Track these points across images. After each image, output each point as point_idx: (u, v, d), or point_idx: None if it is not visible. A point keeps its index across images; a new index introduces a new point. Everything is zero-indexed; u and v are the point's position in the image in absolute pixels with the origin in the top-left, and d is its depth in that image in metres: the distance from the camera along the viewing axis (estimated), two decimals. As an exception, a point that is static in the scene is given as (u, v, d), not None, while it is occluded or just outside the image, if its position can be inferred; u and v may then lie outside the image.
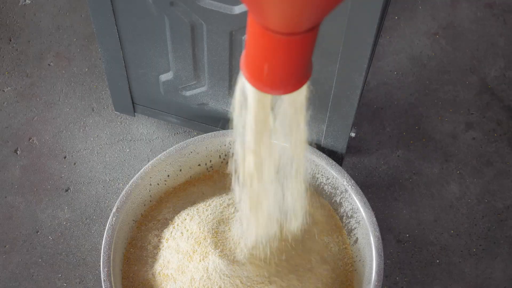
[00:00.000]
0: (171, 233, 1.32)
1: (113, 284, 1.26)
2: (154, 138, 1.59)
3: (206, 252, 1.25)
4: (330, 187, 1.39)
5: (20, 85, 1.65)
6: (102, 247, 1.28)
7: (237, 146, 0.98)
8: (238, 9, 1.18)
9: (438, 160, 1.58)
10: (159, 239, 1.34)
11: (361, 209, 1.33)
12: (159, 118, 1.54)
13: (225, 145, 1.42)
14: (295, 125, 0.95)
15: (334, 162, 1.37)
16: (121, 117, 1.61)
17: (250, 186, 1.04)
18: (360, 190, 1.34)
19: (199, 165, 1.43)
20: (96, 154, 1.57)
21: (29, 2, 1.75)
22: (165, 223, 1.36)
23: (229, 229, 1.27)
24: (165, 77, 1.40)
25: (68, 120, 1.61)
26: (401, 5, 1.76)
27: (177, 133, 1.59)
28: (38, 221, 1.50)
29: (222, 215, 1.29)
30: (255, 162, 0.99)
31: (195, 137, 1.40)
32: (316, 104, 1.32)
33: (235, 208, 1.30)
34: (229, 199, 1.33)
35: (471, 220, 1.52)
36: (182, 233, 1.30)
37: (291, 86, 0.84)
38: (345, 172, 1.36)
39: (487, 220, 1.52)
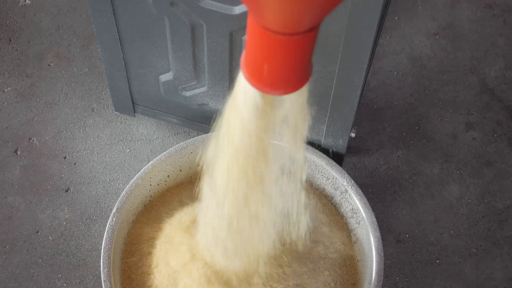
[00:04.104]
0: (171, 233, 1.32)
1: (113, 284, 1.26)
2: (154, 138, 1.59)
3: (206, 254, 1.25)
4: (330, 187, 1.39)
5: (20, 85, 1.65)
6: (102, 247, 1.28)
7: (227, 147, 0.97)
8: (238, 9, 1.18)
9: (438, 160, 1.58)
10: (160, 239, 1.34)
11: (361, 210, 1.33)
12: (159, 118, 1.54)
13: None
14: (295, 126, 0.95)
15: (334, 162, 1.37)
16: (121, 118, 1.61)
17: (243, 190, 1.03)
18: (360, 191, 1.34)
19: (199, 165, 1.43)
20: (96, 155, 1.57)
21: (29, 2, 1.75)
22: (165, 223, 1.36)
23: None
24: (165, 77, 1.40)
25: (68, 121, 1.61)
26: (401, 5, 1.76)
27: (177, 133, 1.59)
28: (38, 222, 1.50)
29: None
30: (249, 164, 0.98)
31: (195, 137, 1.40)
32: (316, 104, 1.32)
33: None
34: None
35: (471, 220, 1.52)
36: (182, 234, 1.30)
37: (291, 86, 0.84)
38: (345, 172, 1.36)
39: (487, 221, 1.52)
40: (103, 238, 1.30)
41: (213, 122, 0.98)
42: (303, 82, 0.85)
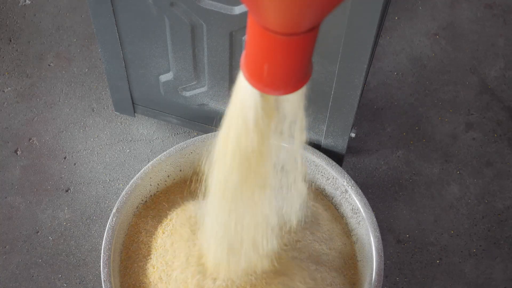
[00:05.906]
0: (171, 233, 1.32)
1: (113, 284, 1.26)
2: (154, 138, 1.59)
3: (206, 253, 1.25)
4: (330, 187, 1.39)
5: (20, 85, 1.65)
6: (102, 247, 1.28)
7: (227, 147, 0.97)
8: (238, 9, 1.18)
9: (438, 160, 1.58)
10: (159, 240, 1.34)
11: (361, 210, 1.33)
12: (159, 118, 1.54)
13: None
14: (294, 126, 0.95)
15: (334, 163, 1.37)
16: (121, 118, 1.61)
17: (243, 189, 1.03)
18: (360, 191, 1.34)
19: (199, 165, 1.43)
20: (96, 155, 1.57)
21: (29, 2, 1.75)
22: (165, 224, 1.36)
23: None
24: (165, 77, 1.40)
25: (68, 121, 1.61)
26: (401, 5, 1.76)
27: (177, 133, 1.59)
28: (38, 222, 1.50)
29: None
30: (249, 164, 0.98)
31: (195, 138, 1.40)
32: (316, 104, 1.32)
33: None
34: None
35: (471, 220, 1.52)
36: (182, 234, 1.30)
37: (291, 86, 0.84)
38: (345, 173, 1.36)
39: (487, 221, 1.52)
40: (103, 238, 1.30)
41: (216, 123, 0.98)
42: (303, 82, 0.85)
